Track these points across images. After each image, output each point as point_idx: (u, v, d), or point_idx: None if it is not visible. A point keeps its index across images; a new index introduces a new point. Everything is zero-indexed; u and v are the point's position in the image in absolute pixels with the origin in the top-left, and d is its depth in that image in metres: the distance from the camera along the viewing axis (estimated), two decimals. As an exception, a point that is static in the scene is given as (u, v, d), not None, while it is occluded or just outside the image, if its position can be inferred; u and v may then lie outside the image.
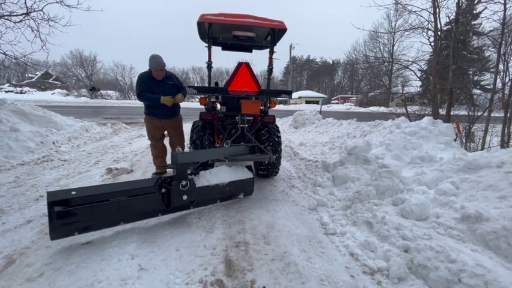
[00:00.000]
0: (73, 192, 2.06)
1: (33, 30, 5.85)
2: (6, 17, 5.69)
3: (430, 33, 8.10)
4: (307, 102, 45.32)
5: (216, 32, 3.93)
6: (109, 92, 41.61)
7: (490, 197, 2.31)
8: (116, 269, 1.82)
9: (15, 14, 5.73)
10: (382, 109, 12.23)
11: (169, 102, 3.44)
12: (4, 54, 5.89)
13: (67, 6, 5.95)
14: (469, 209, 2.11)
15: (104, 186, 2.51)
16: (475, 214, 2.03)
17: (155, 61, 3.39)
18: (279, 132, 3.84)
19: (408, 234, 2.09)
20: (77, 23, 6.19)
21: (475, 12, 10.26)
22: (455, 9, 7.82)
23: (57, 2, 5.88)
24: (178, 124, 3.91)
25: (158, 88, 3.49)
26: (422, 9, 7.54)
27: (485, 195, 2.36)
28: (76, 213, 2.03)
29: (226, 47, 4.42)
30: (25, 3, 5.63)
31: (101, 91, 38.79)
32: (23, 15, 5.72)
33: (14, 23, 5.75)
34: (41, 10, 5.77)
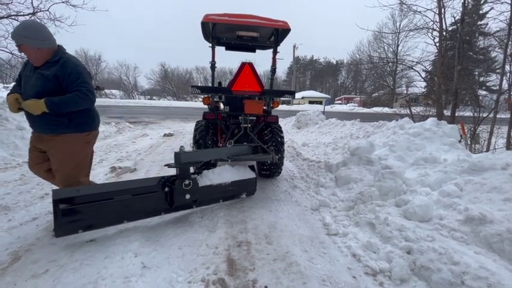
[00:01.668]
0: (78, 190, 2.08)
1: (39, 30, 5.92)
2: (13, 17, 5.78)
3: (435, 33, 8.05)
4: (311, 102, 45.24)
5: (220, 32, 3.94)
6: (113, 91, 41.97)
7: (494, 199, 2.29)
8: (120, 267, 1.83)
9: (22, 13, 5.81)
10: (386, 110, 12.15)
11: (11, 105, 2.07)
12: (10, 53, 5.99)
13: (72, 6, 6.03)
14: (472, 211, 2.09)
15: (108, 184, 2.54)
16: (479, 216, 2.02)
17: (13, 31, 2.01)
18: (282, 132, 3.85)
19: (411, 236, 2.08)
20: (83, 22, 6.28)
21: (481, 12, 10.16)
22: (461, 10, 7.75)
23: (63, 2, 5.96)
24: (63, 147, 2.15)
25: (27, 79, 2.10)
26: (427, 10, 7.50)
27: (489, 197, 2.34)
28: (81, 211, 2.05)
29: (229, 47, 4.43)
30: (32, 3, 5.71)
31: (105, 90, 39.09)
32: (30, 15, 5.80)
33: (21, 22, 5.83)
34: (47, 10, 5.86)
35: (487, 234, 1.92)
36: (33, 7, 5.76)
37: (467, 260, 1.72)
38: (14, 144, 4.72)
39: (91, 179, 2.50)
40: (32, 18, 5.79)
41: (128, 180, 2.59)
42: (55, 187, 2.33)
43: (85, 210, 2.07)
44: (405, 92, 14.17)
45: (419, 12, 7.68)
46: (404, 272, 1.81)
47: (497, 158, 2.82)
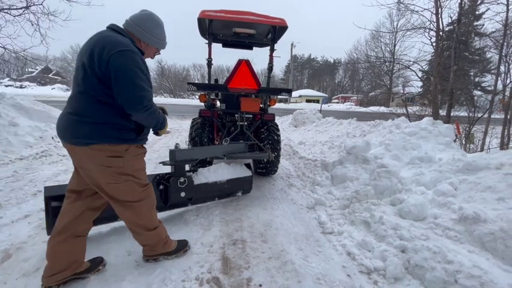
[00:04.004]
0: (70, 188, 2.05)
1: (32, 24, 5.83)
2: (5, 11, 5.66)
3: (432, 33, 8.06)
4: (308, 101, 45.28)
5: (217, 28, 3.90)
6: (109, 87, 41.55)
7: (488, 199, 2.31)
8: (113, 265, 1.82)
9: (15, 7, 5.70)
10: (382, 109, 12.22)
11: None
12: (3, 48, 5.88)
13: (67, 0, 5.93)
14: (466, 210, 2.10)
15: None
16: (473, 215, 2.03)
17: (164, 33, 1.74)
18: (278, 130, 3.84)
19: (406, 235, 2.09)
20: (78, 17, 6.18)
21: (477, 13, 10.22)
22: (458, 10, 7.77)
23: (57, -4, 5.86)
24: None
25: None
26: (424, 9, 7.51)
27: (483, 196, 2.36)
28: (73, 209, 2.02)
29: (226, 44, 4.40)
30: (25, -4, 5.60)
31: (101, 87, 38.67)
32: (23, 9, 5.70)
33: (14, 16, 5.72)
34: (41, 4, 5.75)
35: (480, 233, 1.93)
36: (27, 1, 5.65)
37: (461, 259, 1.73)
38: (7, 140, 4.65)
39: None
40: (25, 12, 5.69)
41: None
42: (48, 185, 2.29)
43: (78, 208, 2.03)
44: (401, 91, 14.24)
45: (416, 11, 7.70)
46: (398, 271, 1.82)
47: (491, 158, 2.84)
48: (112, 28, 1.54)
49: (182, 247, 1.98)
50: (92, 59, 1.37)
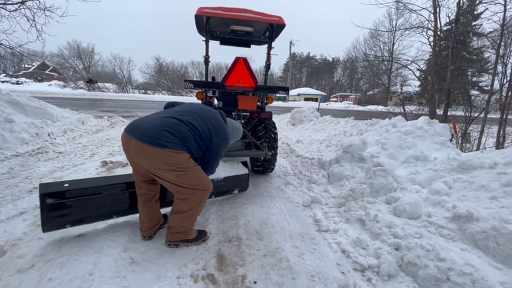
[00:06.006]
0: (66, 185, 2.04)
1: (28, 20, 5.77)
2: (1, 6, 5.60)
3: (430, 32, 8.10)
4: (306, 99, 45.27)
5: (214, 25, 3.88)
6: (107, 84, 41.33)
7: (481, 197, 2.34)
8: (108, 262, 1.82)
9: (11, 2, 5.64)
10: (380, 108, 12.25)
11: None
12: (-1, 43, 5.82)
13: (63, -4, 5.88)
14: (460, 209, 2.13)
15: (98, 179, 2.50)
16: (466, 214, 2.05)
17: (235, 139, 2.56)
18: (275, 128, 3.84)
19: (400, 233, 2.11)
20: (75, 13, 6.12)
21: (475, 12, 10.25)
22: (456, 9, 7.80)
23: (53, -9, 5.80)
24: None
25: None
26: (423, 8, 7.54)
27: (476, 195, 2.39)
28: (69, 206, 2.02)
29: (224, 41, 4.38)
30: (21, -9, 5.54)
31: (98, 83, 38.49)
32: (19, 4, 5.63)
33: (9, 11, 5.66)
34: (37, -1, 5.69)
35: (473, 231, 1.96)
36: (22, -4, 5.59)
37: (453, 257, 1.75)
38: (2, 137, 4.61)
39: (82, 172, 2.58)
40: (21, 7, 5.62)
41: (118, 175, 2.55)
42: (43, 182, 2.28)
43: (73, 205, 2.03)
44: (399, 90, 14.28)
45: (415, 11, 7.73)
46: (391, 268, 1.84)
47: (485, 157, 2.86)
48: (223, 117, 2.23)
49: (201, 237, 2.17)
50: (208, 128, 1.99)
